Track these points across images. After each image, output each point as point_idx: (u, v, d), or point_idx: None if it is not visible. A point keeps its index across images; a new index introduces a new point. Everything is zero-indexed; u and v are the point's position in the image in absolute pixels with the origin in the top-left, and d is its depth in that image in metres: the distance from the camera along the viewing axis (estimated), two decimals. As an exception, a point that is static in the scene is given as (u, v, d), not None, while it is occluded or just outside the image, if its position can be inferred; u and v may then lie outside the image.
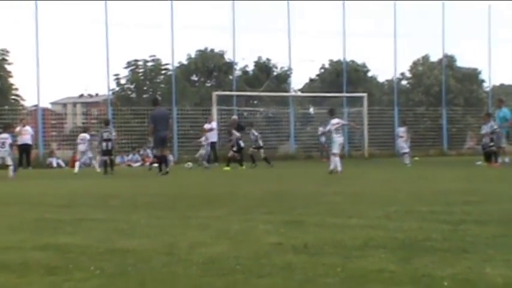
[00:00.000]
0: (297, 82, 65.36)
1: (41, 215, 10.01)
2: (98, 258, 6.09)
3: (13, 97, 46.25)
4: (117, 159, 37.10)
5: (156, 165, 27.70)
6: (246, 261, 5.85)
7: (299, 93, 51.04)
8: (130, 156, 40.14)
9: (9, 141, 25.37)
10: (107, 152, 27.35)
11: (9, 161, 25.02)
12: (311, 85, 53.52)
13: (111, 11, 39.55)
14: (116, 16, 40.03)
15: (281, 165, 31.95)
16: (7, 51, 45.64)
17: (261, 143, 31.93)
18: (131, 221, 8.95)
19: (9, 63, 46.21)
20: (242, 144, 30.42)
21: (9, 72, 46.38)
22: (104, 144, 27.38)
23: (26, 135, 34.49)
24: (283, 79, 48.48)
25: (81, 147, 30.02)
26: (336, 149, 22.67)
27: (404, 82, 53.62)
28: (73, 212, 10.57)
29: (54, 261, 5.98)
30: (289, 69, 47.53)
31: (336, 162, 22.39)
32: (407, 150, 30.62)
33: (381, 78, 54.79)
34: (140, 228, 8.31)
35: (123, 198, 13.31)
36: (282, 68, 48.63)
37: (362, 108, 43.92)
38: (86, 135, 30.37)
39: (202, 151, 32.07)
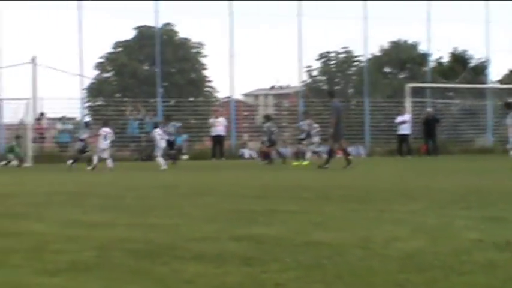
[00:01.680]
0: (496, 73, 62.88)
1: (235, 206, 10.12)
2: (293, 250, 6.03)
3: (207, 89, 47.72)
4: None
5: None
6: (445, 257, 5.61)
7: (498, 85, 49.18)
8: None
9: (110, 135, 26.58)
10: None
11: (106, 155, 25.95)
12: (511, 76, 51.43)
13: (304, 2, 39.61)
14: (309, 8, 40.03)
15: (477, 158, 30.93)
16: (202, 44, 47.16)
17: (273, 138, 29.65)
18: (325, 213, 8.87)
19: (203, 56, 47.76)
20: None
21: (204, 64, 47.92)
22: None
23: (220, 126, 35.27)
24: (480, 70, 46.88)
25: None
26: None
27: None
28: (267, 203, 10.62)
29: (250, 252, 5.97)
30: (487, 60, 45.92)
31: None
32: None
33: None
34: (334, 220, 8.21)
35: (315, 190, 13.27)
36: (479, 59, 47.03)
37: None
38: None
39: None
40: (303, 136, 29.81)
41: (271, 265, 5.39)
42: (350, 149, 27.89)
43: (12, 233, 7.42)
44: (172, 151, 29.32)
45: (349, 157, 23.45)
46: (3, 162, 30.64)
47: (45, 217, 8.98)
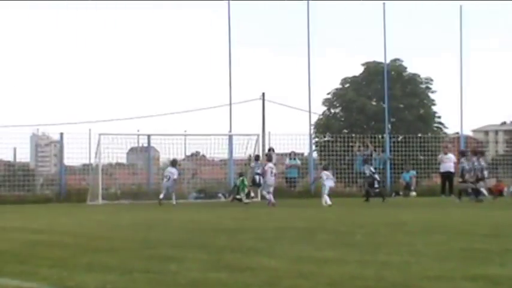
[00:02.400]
0: None
1: (468, 245, 9.81)
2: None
3: (436, 125, 46.92)
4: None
5: None
6: None
7: None
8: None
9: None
10: None
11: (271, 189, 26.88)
12: None
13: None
14: None
15: None
16: (431, 80, 46.57)
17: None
18: None
19: (432, 92, 47.10)
20: None
21: (433, 100, 47.21)
22: None
23: (449, 162, 34.52)
24: None
25: None
26: None
27: None
28: (500, 242, 10.22)
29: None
30: None
31: None
32: None
33: None
34: None
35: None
36: None
37: None
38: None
39: None
40: None
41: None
42: None
43: (245, 268, 7.60)
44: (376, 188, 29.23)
45: None
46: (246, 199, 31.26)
47: (277, 252, 9.13)
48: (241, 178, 30.53)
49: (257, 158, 30.17)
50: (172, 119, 40.57)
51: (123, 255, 9.12)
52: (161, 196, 29.18)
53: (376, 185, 29.01)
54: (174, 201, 29.29)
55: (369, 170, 28.69)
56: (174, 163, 31.25)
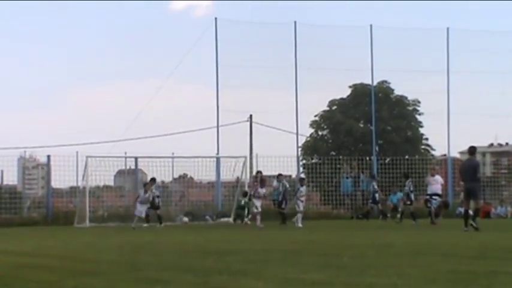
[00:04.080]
0: None
1: (455, 267, 9.82)
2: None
3: (423, 147, 47.02)
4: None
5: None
6: None
7: None
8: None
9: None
10: None
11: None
12: None
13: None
14: None
15: None
16: (418, 102, 46.69)
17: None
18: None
19: (420, 114, 47.21)
20: None
21: (420, 122, 47.34)
22: None
23: (436, 184, 34.63)
24: None
25: None
26: None
27: None
28: (487, 264, 10.24)
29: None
30: None
31: None
32: None
33: None
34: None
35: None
36: None
37: None
38: None
39: None
40: None
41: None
42: None
43: (232, 290, 7.60)
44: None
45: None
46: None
47: (264, 275, 9.12)
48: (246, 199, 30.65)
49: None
50: (160, 141, 40.54)
51: (110, 278, 9.10)
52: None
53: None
54: (133, 224, 28.99)
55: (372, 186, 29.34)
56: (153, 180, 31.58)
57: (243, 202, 31.29)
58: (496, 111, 50.59)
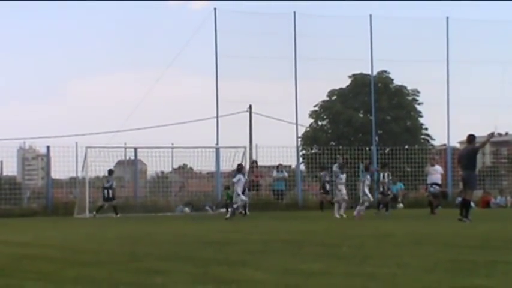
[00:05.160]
0: None
1: (455, 256, 9.82)
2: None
3: (423, 137, 47.02)
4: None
5: None
6: None
7: None
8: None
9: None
10: None
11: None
12: None
13: None
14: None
15: None
16: (418, 92, 46.66)
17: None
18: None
19: (419, 103, 47.20)
20: None
21: (420, 112, 47.32)
22: None
23: (436, 174, 34.61)
24: None
25: None
26: None
27: None
28: (487, 253, 10.23)
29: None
30: None
31: None
32: None
33: None
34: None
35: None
36: None
37: None
38: None
39: None
40: None
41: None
42: None
43: (232, 280, 7.59)
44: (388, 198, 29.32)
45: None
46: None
47: (263, 265, 9.12)
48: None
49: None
50: (159, 131, 40.55)
51: (110, 269, 9.09)
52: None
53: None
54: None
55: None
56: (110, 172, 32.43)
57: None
58: (496, 100, 50.50)
